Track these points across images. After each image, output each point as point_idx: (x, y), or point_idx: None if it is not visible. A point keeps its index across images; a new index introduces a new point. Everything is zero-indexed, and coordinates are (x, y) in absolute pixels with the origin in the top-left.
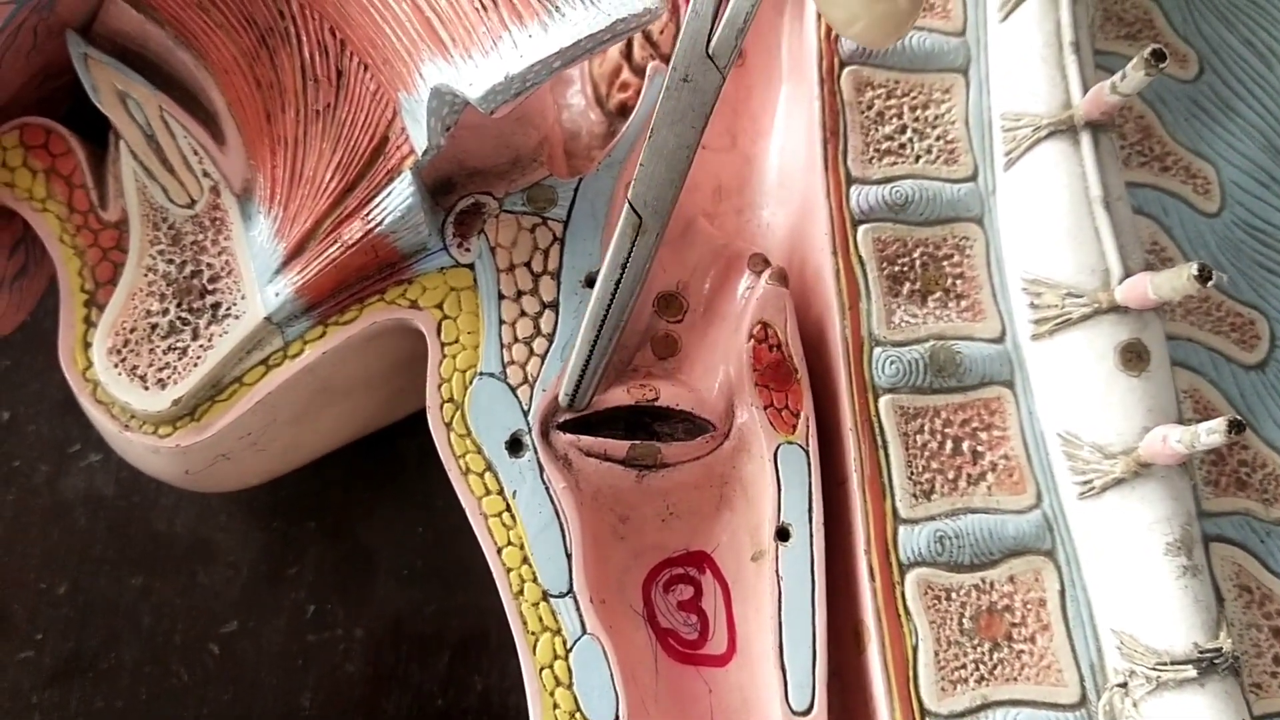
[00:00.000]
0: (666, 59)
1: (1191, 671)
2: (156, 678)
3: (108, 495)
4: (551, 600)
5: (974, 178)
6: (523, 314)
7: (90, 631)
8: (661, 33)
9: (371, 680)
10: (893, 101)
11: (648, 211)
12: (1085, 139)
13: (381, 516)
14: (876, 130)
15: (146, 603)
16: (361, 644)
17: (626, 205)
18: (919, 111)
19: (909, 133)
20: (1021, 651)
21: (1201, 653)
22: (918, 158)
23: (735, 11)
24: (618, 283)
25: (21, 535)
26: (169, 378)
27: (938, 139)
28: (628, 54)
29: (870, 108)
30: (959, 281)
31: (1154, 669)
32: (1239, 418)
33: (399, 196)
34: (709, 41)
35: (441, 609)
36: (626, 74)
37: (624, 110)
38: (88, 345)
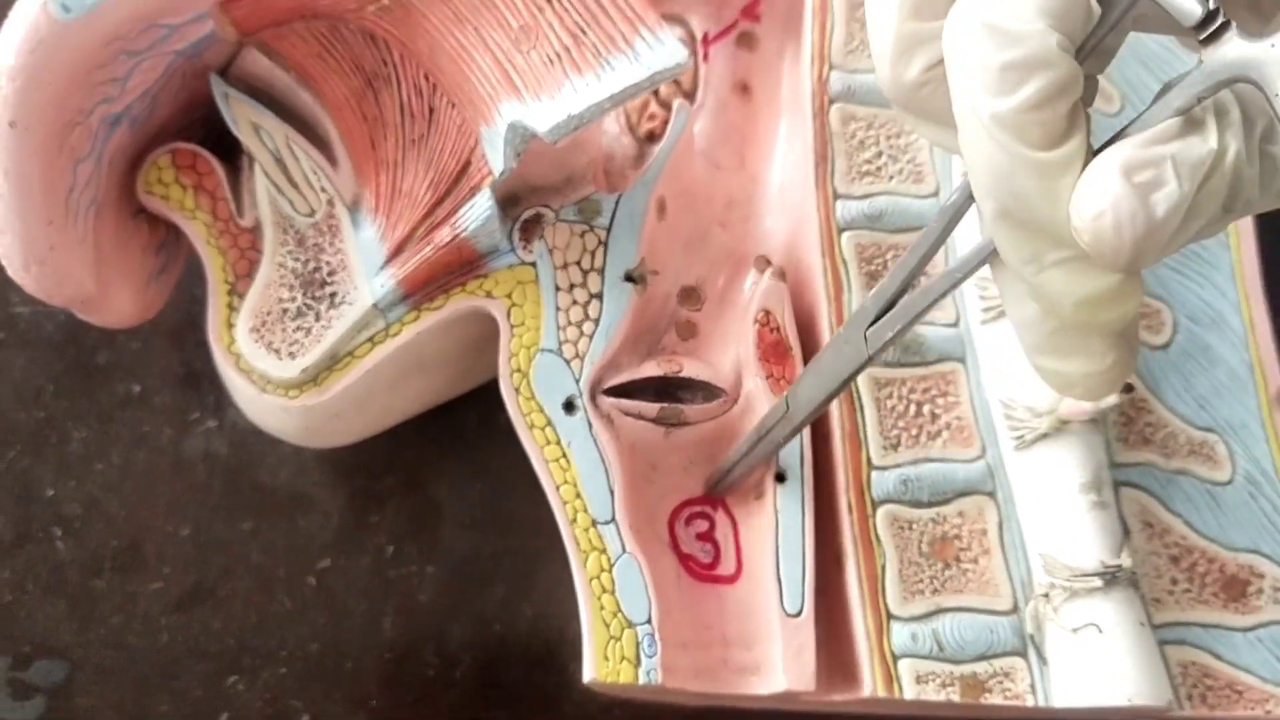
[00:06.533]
0: (687, 95)
1: (1098, 582)
2: (264, 605)
3: (222, 454)
4: (599, 526)
5: (936, 193)
6: (575, 303)
7: (209, 567)
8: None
9: (441, 609)
10: (872, 131)
11: (795, 407)
12: None
13: (447, 474)
14: (858, 155)
15: (255, 542)
16: (432, 579)
17: (782, 400)
18: (893, 140)
19: (884, 157)
20: (967, 570)
21: (1106, 567)
22: (891, 177)
23: (903, 309)
24: (760, 439)
25: (151, 488)
26: (298, 351)
27: (908, 162)
28: (654, 90)
29: (854, 137)
30: (923, 277)
31: (1069, 581)
32: (1129, 382)
33: (480, 208)
34: (872, 323)
35: (497, 550)
36: (654, 106)
37: (651, 136)
38: (231, 326)
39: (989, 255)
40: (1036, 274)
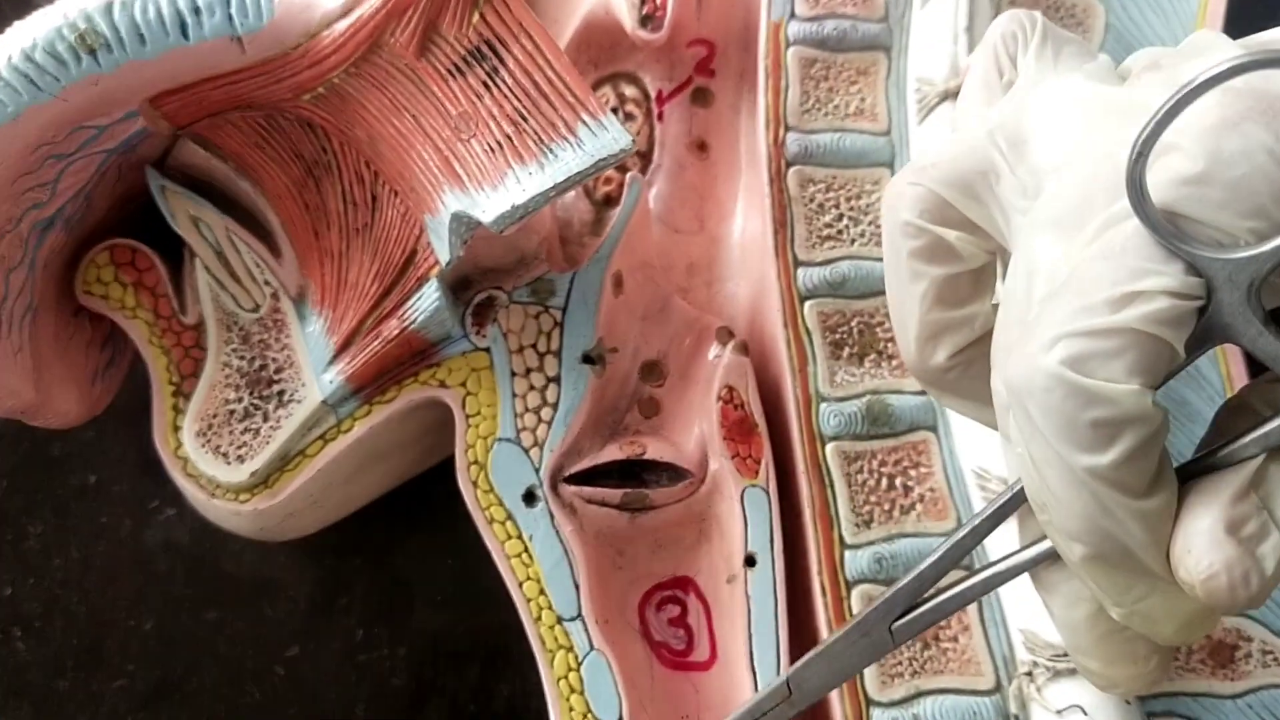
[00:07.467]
0: (642, 155)
1: None
2: (232, 698)
3: (183, 543)
4: (564, 623)
5: None
6: (532, 388)
7: (174, 660)
8: (637, 134)
9: (414, 692)
10: (831, 194)
11: (799, 692)
12: None
13: (416, 551)
14: (818, 219)
15: (221, 634)
16: (404, 661)
17: (784, 682)
18: (853, 201)
19: (845, 220)
20: (947, 649)
21: None
22: (853, 241)
23: (933, 609)
24: None
25: (111, 581)
26: (246, 454)
27: (869, 224)
28: None
29: (812, 200)
30: (889, 344)
31: (1051, 660)
32: None
33: (428, 299)
34: (899, 618)
35: (470, 628)
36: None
37: (609, 200)
38: (178, 429)
39: (1032, 564)
40: (1134, 604)
